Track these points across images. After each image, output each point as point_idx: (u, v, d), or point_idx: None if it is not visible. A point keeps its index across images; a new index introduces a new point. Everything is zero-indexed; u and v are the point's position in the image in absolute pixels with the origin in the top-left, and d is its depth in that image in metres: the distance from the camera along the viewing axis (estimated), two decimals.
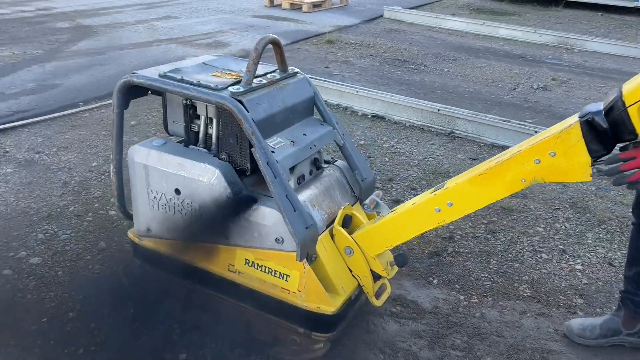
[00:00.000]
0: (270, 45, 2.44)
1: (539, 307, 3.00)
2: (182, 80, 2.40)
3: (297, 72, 2.71)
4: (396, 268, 2.57)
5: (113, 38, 8.31)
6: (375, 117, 5.72)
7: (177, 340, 2.60)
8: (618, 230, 3.77)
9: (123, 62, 7.10)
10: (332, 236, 2.47)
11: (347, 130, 5.49)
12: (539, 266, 3.35)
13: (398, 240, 2.40)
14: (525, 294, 3.10)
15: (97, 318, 2.70)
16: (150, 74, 2.48)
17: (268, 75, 2.54)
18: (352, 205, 2.63)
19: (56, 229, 3.44)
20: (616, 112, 1.83)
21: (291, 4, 11.42)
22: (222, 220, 2.42)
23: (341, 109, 5.92)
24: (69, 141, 4.73)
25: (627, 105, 1.82)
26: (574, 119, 1.90)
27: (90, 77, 6.41)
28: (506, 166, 2.02)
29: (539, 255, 3.45)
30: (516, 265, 3.35)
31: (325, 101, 6.01)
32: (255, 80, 2.41)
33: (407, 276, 3.20)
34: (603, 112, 1.87)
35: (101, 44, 7.96)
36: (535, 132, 4.93)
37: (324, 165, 2.72)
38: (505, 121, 5.14)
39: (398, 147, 5.01)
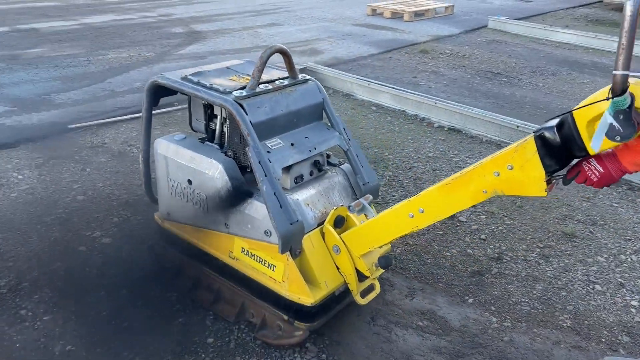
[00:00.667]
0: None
1: (576, 340, 2.85)
2: (197, 83, 2.66)
3: (308, 79, 2.86)
4: (381, 270, 2.71)
5: (218, 43, 8.93)
6: (451, 130, 5.65)
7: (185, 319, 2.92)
8: None
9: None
10: (323, 234, 2.63)
11: (419, 142, 5.55)
12: (588, 297, 3.17)
13: (379, 242, 2.52)
14: (564, 324, 2.95)
15: (143, 298, 3.01)
16: (174, 76, 2.78)
17: (277, 82, 2.73)
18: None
19: (130, 215, 3.85)
20: (566, 128, 1.85)
21: (392, 12, 11.48)
22: (223, 210, 2.68)
23: (418, 119, 5.91)
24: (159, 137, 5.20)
25: (575, 119, 1.82)
26: (531, 133, 1.95)
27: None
28: (469, 177, 2.11)
29: (591, 286, 3.26)
30: (563, 293, 3.19)
31: (403, 112, 6.12)
32: (262, 86, 2.63)
33: (443, 292, 3.18)
34: (555, 127, 1.88)
35: (206, 48, 8.60)
36: None
37: (326, 168, 2.86)
38: None
39: (468, 162, 4.92)
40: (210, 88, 2.61)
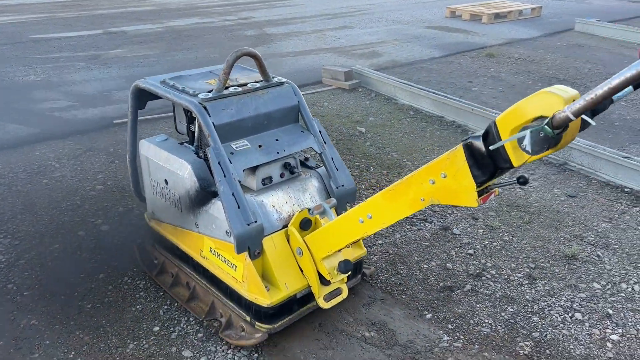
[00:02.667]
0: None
1: None
2: (172, 87, 2.74)
3: (283, 82, 2.85)
4: (342, 274, 2.63)
5: (282, 45, 9.16)
6: None
7: (161, 313, 3.01)
8: None
9: (276, 68, 7.81)
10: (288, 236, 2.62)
11: (446, 149, 5.21)
12: (562, 326, 2.89)
13: (334, 246, 2.49)
14: (521, 352, 2.72)
15: (114, 283, 3.22)
16: (154, 80, 2.88)
17: (249, 85, 2.75)
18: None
19: (134, 206, 4.11)
20: (491, 137, 1.77)
21: (471, 14, 11.06)
22: (193, 210, 2.73)
23: (454, 126, 5.68)
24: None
25: (498, 127, 1.73)
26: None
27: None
28: (408, 184, 2.08)
29: (571, 314, 2.96)
30: (535, 319, 2.94)
31: (441, 117, 5.89)
32: (231, 89, 2.66)
33: (403, 305, 3.06)
34: (481, 136, 1.80)
35: (269, 50, 8.86)
36: None
37: (298, 170, 2.84)
38: (625, 157, 4.37)
39: None
40: (182, 91, 2.67)
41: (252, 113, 2.66)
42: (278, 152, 2.70)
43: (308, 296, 2.71)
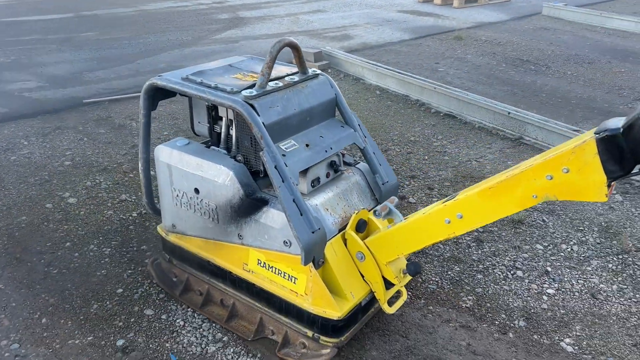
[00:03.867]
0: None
1: (468, 320, 2.81)
2: (201, 83, 2.43)
3: (318, 74, 2.63)
4: (409, 277, 2.51)
5: (255, 29, 9.23)
6: (447, 115, 5.54)
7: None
8: (639, 264, 3.23)
9: (247, 50, 7.89)
10: (344, 241, 2.43)
11: (408, 126, 5.49)
12: (503, 282, 3.09)
13: (409, 249, 2.32)
14: (464, 305, 2.92)
15: (80, 251, 3.34)
16: (173, 76, 2.54)
17: (286, 78, 2.51)
18: (370, 209, 2.57)
19: (102, 180, 4.21)
20: (637, 132, 1.63)
21: None
22: (235, 220, 2.47)
23: (418, 104, 5.85)
24: (160, 113, 5.57)
25: None
26: (590, 134, 1.74)
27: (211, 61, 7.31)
28: (516, 181, 1.91)
29: (512, 272, 3.17)
30: (479, 276, 3.14)
31: (406, 96, 6.06)
32: (271, 84, 2.40)
33: None
34: (622, 129, 1.66)
35: (242, 33, 8.93)
36: None
37: (343, 168, 2.65)
38: (575, 130, 4.59)
39: (448, 147, 4.84)
40: (216, 88, 2.39)
41: (296, 109, 2.42)
42: (326, 151, 2.47)
43: (369, 302, 2.56)
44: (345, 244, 2.42)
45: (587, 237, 3.50)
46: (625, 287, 3.05)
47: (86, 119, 5.39)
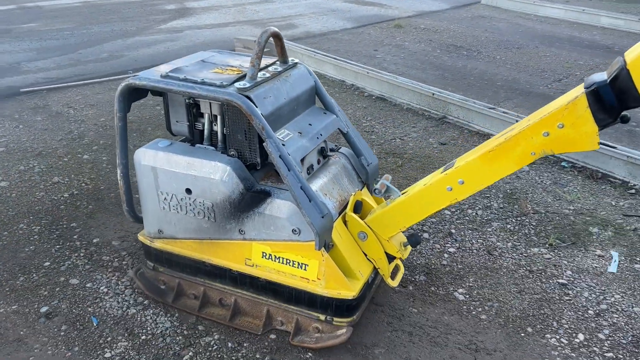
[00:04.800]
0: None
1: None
2: (185, 80, 2.40)
3: (297, 63, 2.69)
4: (410, 248, 2.65)
5: (201, 19, 9.32)
6: (379, 98, 5.81)
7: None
8: (534, 224, 3.55)
9: (190, 39, 8.00)
10: (345, 222, 2.52)
11: (343, 109, 5.71)
12: None
13: (411, 221, 2.46)
14: None
15: (9, 230, 3.45)
16: (151, 75, 2.48)
17: (270, 68, 2.54)
18: (360, 190, 2.69)
19: (35, 164, 4.30)
20: (621, 81, 1.83)
21: None
22: (235, 216, 2.45)
23: (353, 89, 6.10)
24: (99, 100, 5.66)
25: (631, 73, 1.81)
26: (580, 90, 1.92)
27: (154, 51, 7.40)
28: (515, 141, 2.05)
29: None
30: None
31: (342, 81, 6.31)
32: (259, 74, 2.41)
33: None
34: (608, 80, 1.86)
35: (187, 23, 9.00)
36: (517, 120, 4.68)
37: (330, 154, 2.74)
38: (491, 108, 4.92)
39: (376, 127, 5.10)
40: (204, 83, 2.36)
41: (286, 99, 2.47)
42: (317, 138, 2.53)
43: (373, 280, 2.67)
44: (346, 225, 2.51)
45: (492, 202, 3.81)
46: (519, 244, 3.36)
47: (23, 108, 5.43)
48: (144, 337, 2.63)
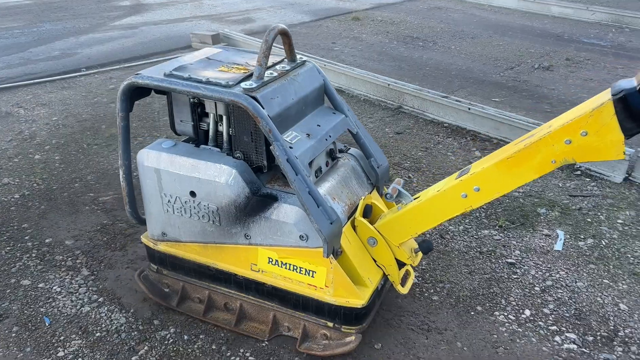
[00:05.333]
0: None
1: None
2: (189, 79, 2.31)
3: (305, 61, 2.60)
4: (421, 255, 2.56)
5: (157, 14, 9.18)
6: (337, 90, 5.82)
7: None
8: (484, 207, 3.66)
9: (147, 35, 7.88)
10: (354, 227, 2.43)
11: None
12: None
13: (423, 227, 2.36)
14: None
15: None
16: (154, 73, 2.39)
17: (277, 67, 2.46)
18: (370, 193, 2.60)
19: None
20: None
21: None
22: (241, 220, 2.36)
23: None
24: (50, 99, 5.53)
25: None
26: (606, 96, 1.81)
27: (108, 48, 7.26)
28: (535, 148, 1.96)
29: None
30: None
31: None
32: (266, 73, 2.33)
33: None
34: (638, 87, 1.75)
35: (142, 19, 8.86)
36: (469, 109, 4.80)
37: (339, 156, 2.64)
38: (444, 97, 5.02)
39: None
40: (209, 83, 2.26)
41: (294, 99, 2.37)
42: (326, 139, 2.43)
43: (382, 286, 2.59)
44: (355, 230, 2.43)
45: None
46: (470, 227, 3.46)
47: None
48: (98, 334, 2.62)
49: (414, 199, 2.35)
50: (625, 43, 7.69)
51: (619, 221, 3.54)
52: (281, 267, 2.38)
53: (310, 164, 2.35)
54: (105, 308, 2.78)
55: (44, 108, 5.32)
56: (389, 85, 5.42)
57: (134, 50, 7.19)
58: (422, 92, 5.16)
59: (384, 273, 2.48)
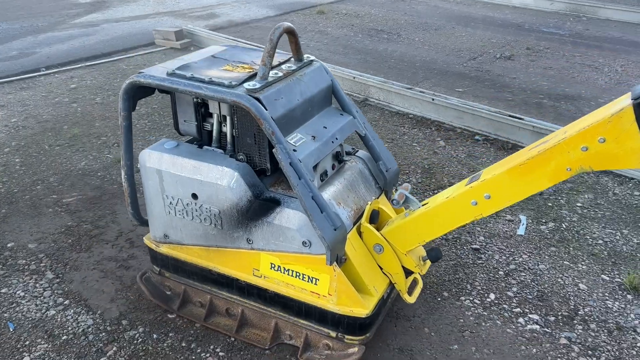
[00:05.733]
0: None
1: None
2: (192, 78, 2.24)
3: (312, 60, 2.50)
4: (429, 263, 2.47)
5: (118, 11, 9.01)
6: None
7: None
8: None
9: (108, 33, 7.74)
10: (359, 233, 2.34)
11: None
12: None
13: (432, 235, 2.27)
14: None
15: None
16: (157, 72, 2.33)
17: (283, 66, 2.38)
18: (378, 198, 2.50)
19: None
20: None
21: None
22: (243, 224, 2.30)
23: None
24: (9, 101, 5.39)
25: None
26: (625, 101, 1.68)
27: (68, 47, 7.10)
28: (549, 155, 1.86)
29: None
30: None
31: None
32: (271, 73, 2.25)
33: None
34: None
35: (103, 17, 8.69)
36: (433, 100, 4.87)
37: (346, 158, 2.55)
38: (408, 89, 5.08)
39: None
40: (211, 82, 2.20)
41: (299, 100, 2.29)
42: (332, 142, 2.35)
43: (388, 295, 2.52)
44: (361, 237, 2.34)
45: (411, 178, 3.96)
46: None
47: None
48: (65, 337, 2.58)
49: (422, 205, 2.27)
50: (583, 32, 7.90)
51: (578, 204, 3.65)
52: (283, 273, 2.32)
53: (315, 167, 2.26)
54: (72, 311, 2.74)
55: (2, 110, 5.18)
56: (354, 78, 5.45)
57: (96, 48, 7.04)
58: (387, 84, 5.21)
59: (390, 281, 2.40)
